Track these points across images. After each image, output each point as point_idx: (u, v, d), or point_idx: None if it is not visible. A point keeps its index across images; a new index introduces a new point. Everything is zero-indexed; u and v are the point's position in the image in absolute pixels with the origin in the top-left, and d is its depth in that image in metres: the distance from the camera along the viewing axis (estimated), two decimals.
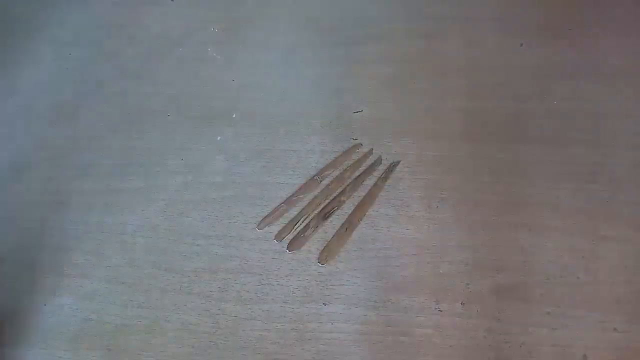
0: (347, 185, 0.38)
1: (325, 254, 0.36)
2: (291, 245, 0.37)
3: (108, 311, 0.36)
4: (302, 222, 0.37)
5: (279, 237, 0.37)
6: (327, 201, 0.38)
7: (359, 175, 0.39)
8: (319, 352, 0.33)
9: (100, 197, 0.41)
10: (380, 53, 0.45)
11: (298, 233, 0.37)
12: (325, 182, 0.39)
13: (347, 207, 0.38)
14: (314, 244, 0.37)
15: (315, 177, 0.38)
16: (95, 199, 0.41)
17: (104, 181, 0.42)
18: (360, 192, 0.38)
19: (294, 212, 0.38)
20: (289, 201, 0.38)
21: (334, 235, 0.37)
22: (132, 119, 0.45)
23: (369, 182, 0.39)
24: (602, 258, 0.35)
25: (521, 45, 0.44)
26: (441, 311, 0.34)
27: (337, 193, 0.38)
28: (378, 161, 0.39)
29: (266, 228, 0.38)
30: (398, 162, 0.38)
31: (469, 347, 0.33)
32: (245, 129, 0.43)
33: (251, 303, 0.36)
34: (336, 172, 0.39)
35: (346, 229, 0.36)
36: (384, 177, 0.38)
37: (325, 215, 0.37)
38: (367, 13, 0.48)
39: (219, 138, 0.43)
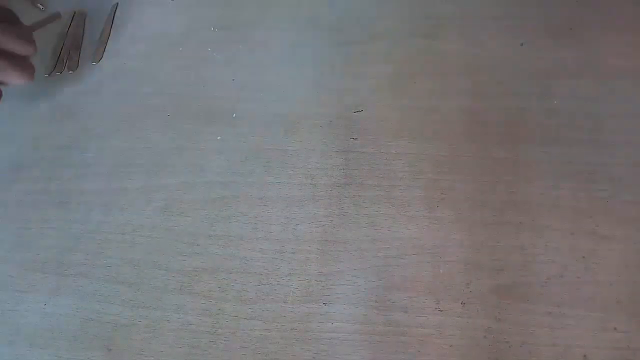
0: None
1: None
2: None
3: (108, 311, 0.36)
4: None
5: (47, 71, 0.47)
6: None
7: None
8: (319, 352, 0.33)
9: (100, 197, 0.41)
10: (380, 53, 0.45)
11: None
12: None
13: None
14: (313, 244, 0.37)
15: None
16: (95, 199, 0.41)
17: (104, 181, 0.42)
18: None
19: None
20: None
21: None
22: (132, 119, 0.45)
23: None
24: (602, 258, 0.35)
25: (521, 45, 0.44)
26: (441, 311, 0.34)
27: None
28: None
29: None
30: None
31: (469, 347, 0.33)
32: (245, 129, 0.43)
33: (251, 303, 0.36)
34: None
35: None
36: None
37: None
38: (367, 13, 0.48)
39: (219, 138, 0.43)
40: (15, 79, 0.41)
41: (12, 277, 0.38)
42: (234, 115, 0.44)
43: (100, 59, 0.49)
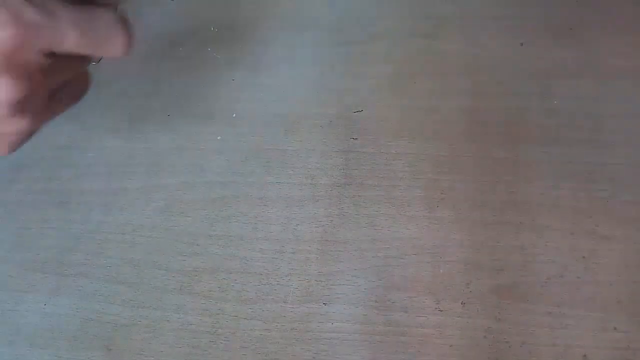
0: None
1: None
2: None
3: (108, 311, 0.36)
4: None
5: None
6: None
7: None
8: (319, 352, 0.33)
9: (100, 197, 0.41)
10: (380, 53, 0.45)
11: None
12: None
13: None
14: (313, 244, 0.37)
15: None
16: (95, 199, 0.41)
17: (104, 181, 0.42)
18: None
19: None
20: None
21: None
22: (132, 119, 0.45)
23: None
24: (602, 258, 0.35)
25: (521, 45, 0.44)
26: (441, 311, 0.34)
27: None
28: None
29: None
30: None
31: (469, 347, 0.33)
32: (245, 129, 0.43)
33: (251, 303, 0.36)
34: None
35: None
36: None
37: None
38: (367, 13, 0.48)
39: (219, 138, 0.43)
40: (115, 48, 0.26)
41: (12, 277, 0.38)
42: (234, 115, 0.44)
43: (100, 59, 0.49)
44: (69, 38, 0.24)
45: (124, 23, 0.26)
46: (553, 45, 0.44)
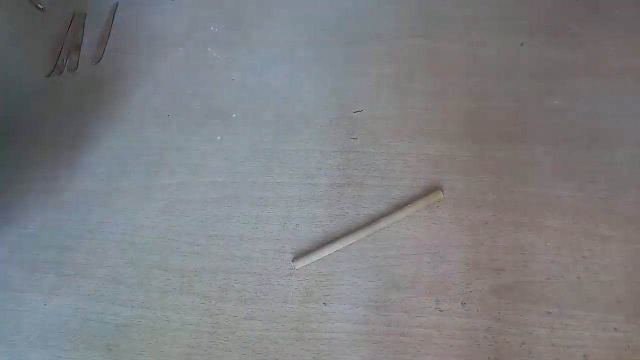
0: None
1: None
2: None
3: (108, 311, 0.36)
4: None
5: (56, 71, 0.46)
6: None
7: None
8: (319, 352, 0.33)
9: (100, 197, 0.41)
10: (380, 53, 0.45)
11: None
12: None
13: None
14: (314, 244, 0.37)
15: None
16: (95, 199, 0.41)
17: (104, 181, 0.42)
18: None
19: None
20: None
21: None
22: (132, 119, 0.45)
23: None
24: (602, 258, 0.35)
25: (521, 45, 0.44)
26: (441, 311, 0.34)
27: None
28: None
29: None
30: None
31: (469, 347, 0.33)
32: (245, 129, 0.43)
33: (251, 303, 0.36)
34: None
35: None
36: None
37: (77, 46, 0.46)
38: (367, 13, 0.48)
39: (219, 138, 0.43)
40: None
41: (12, 277, 0.38)
42: (234, 115, 0.44)
43: (100, 59, 0.49)
44: None
45: None
46: (553, 45, 0.44)
